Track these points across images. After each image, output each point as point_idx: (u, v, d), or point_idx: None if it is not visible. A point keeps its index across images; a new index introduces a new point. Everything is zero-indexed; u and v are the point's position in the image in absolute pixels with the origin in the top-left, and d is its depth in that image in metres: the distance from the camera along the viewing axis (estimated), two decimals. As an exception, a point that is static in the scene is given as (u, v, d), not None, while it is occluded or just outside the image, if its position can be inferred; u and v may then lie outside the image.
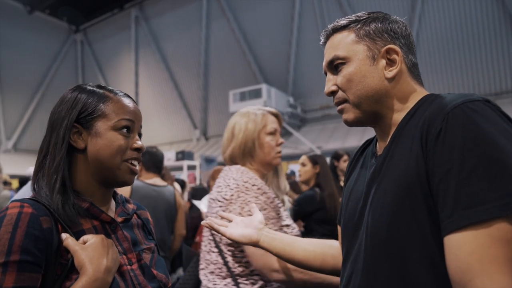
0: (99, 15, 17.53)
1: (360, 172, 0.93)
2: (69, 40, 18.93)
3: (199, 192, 4.75)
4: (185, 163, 9.88)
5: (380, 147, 0.88)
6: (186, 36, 15.28)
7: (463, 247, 0.61)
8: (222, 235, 1.07)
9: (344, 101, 0.86)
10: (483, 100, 0.68)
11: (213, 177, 3.48)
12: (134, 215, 0.99)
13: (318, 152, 9.36)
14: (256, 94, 11.43)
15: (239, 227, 1.09)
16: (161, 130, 16.52)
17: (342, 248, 0.92)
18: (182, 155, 10.22)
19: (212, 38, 14.72)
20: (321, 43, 0.92)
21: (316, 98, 12.85)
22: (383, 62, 0.82)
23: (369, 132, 5.60)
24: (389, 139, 0.82)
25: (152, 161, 2.75)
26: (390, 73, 0.81)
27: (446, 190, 0.64)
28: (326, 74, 0.90)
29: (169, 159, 13.49)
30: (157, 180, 2.73)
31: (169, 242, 2.78)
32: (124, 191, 2.35)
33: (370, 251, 0.77)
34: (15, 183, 6.12)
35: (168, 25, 15.77)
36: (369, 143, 0.99)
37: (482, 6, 10.06)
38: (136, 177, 1.96)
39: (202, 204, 3.95)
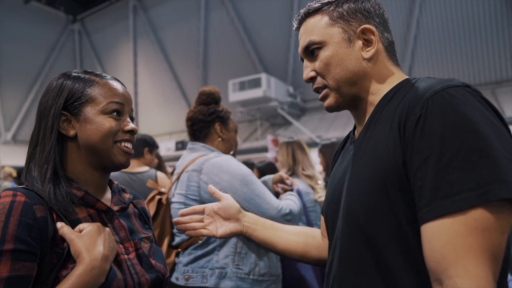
0: (96, 4, 17.34)
1: (342, 159, 0.92)
2: (67, 30, 18.74)
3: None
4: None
5: (357, 131, 0.87)
6: (185, 26, 15.14)
7: (439, 237, 0.60)
8: (208, 236, 1.04)
9: (324, 87, 0.84)
10: (463, 85, 0.66)
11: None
12: (131, 204, 0.98)
13: (317, 141, 9.36)
14: (256, 83, 11.37)
15: (219, 222, 1.05)
16: (160, 121, 16.47)
17: (328, 237, 0.92)
18: (182, 145, 10.21)
19: (211, 27, 14.59)
20: (294, 28, 0.91)
21: (316, 87, 12.76)
22: (359, 43, 0.80)
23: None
24: (365, 122, 0.81)
25: None
26: (368, 53, 0.80)
27: (424, 178, 0.62)
28: (302, 60, 0.88)
29: (169, 149, 13.49)
30: (133, 167, 2.65)
31: None
32: None
33: (345, 238, 0.76)
34: (13, 174, 6.14)
35: (167, 15, 15.61)
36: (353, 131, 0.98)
37: (483, -7, 9.95)
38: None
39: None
